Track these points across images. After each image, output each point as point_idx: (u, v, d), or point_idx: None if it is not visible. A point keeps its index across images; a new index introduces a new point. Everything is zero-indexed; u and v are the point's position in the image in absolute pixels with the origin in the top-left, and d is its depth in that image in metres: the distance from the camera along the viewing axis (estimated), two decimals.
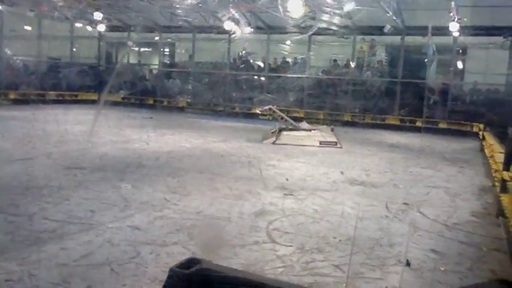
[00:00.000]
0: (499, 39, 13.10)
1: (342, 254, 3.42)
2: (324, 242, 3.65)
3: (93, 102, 16.09)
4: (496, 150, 6.99)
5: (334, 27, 13.77)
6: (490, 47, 14.26)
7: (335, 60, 16.07)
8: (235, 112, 15.16)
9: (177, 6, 14.03)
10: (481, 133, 10.73)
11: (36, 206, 4.15)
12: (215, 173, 6.04)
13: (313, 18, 13.28)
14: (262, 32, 15.54)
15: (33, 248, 3.21)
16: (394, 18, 13.01)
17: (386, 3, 11.77)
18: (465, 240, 3.92)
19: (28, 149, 7.07)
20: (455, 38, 13.08)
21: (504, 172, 4.80)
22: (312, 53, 15.36)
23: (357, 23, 13.91)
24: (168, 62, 19.46)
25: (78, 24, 17.54)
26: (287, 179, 5.88)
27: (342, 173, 6.54)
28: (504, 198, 4.38)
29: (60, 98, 15.85)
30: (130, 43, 18.78)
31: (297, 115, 14.49)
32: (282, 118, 10.00)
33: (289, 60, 16.75)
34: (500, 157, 5.78)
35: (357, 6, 11.72)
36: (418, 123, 13.13)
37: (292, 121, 10.08)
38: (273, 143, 8.98)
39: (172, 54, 21.02)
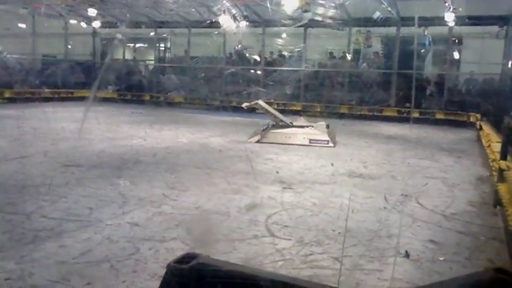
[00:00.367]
0: (494, 29, 13.09)
1: (340, 246, 3.43)
2: (323, 235, 3.65)
3: (89, 99, 16.00)
4: (493, 139, 7.00)
5: (329, 20, 13.74)
6: (485, 36, 14.28)
7: (331, 53, 16.05)
8: (232, 106, 15.13)
9: (171, 0, 13.97)
10: (477, 123, 10.75)
11: (33, 204, 4.14)
12: (213, 168, 6.03)
13: (308, 11, 13.23)
14: (257, 26, 15.49)
15: (32, 247, 3.21)
16: (389, 9, 12.98)
17: None
18: (463, 230, 3.93)
19: (24, 147, 7.04)
20: (450, 28, 13.07)
21: (501, 161, 4.81)
22: (307, 46, 15.32)
23: (352, 15, 13.88)
24: (164, 58, 19.39)
25: (72, 21, 17.43)
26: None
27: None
28: (501, 188, 4.39)
29: (56, 96, 15.77)
30: (122, 38, 18.69)
31: (294, 108, 14.50)
32: (271, 114, 8.97)
33: (285, 53, 16.72)
34: (497, 146, 5.79)
35: None
36: (415, 114, 13.14)
37: (282, 117, 9.07)
38: (257, 141, 8.31)
39: (167, 50, 20.96)
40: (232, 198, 4.61)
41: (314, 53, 15.97)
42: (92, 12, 15.60)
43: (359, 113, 13.82)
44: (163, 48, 20.91)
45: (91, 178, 5.23)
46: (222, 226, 3.79)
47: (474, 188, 5.51)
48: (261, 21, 15.40)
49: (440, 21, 12.33)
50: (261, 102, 9.11)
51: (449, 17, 12.05)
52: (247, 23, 14.91)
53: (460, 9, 11.83)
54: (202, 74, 16.94)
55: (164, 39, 20.42)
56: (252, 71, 16.41)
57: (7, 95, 14.72)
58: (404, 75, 13.65)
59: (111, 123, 10.13)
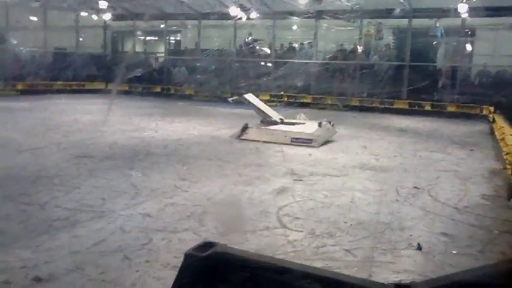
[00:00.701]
0: (507, 20, 12.90)
1: (352, 238, 3.43)
2: (335, 227, 3.65)
3: (100, 91, 16.12)
4: (506, 132, 6.92)
5: (340, 11, 13.64)
6: (498, 28, 14.08)
7: (342, 45, 15.94)
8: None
9: None
10: (490, 116, 10.62)
11: (47, 195, 4.19)
12: (224, 160, 6.04)
13: (320, 2, 13.15)
14: (268, 17, 15.42)
15: (46, 236, 3.25)
16: (401, 0, 12.85)
17: None
18: (476, 223, 3.91)
19: (37, 139, 7.12)
20: (463, 20, 12.89)
21: None
22: (318, 38, 15.23)
23: (364, 7, 13.76)
24: (174, 50, 19.41)
25: (83, 14, 17.50)
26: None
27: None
28: None
29: (68, 88, 15.89)
30: (132, 31, 18.71)
31: (305, 101, 14.43)
32: (258, 109, 8.23)
33: (296, 45, 16.64)
34: (511, 139, 5.73)
35: None
36: (427, 107, 13.01)
37: (271, 112, 8.29)
38: (238, 137, 7.74)
39: (178, 42, 20.97)
40: (244, 190, 4.62)
41: (325, 45, 15.86)
42: (103, 4, 15.64)
43: (370, 105, 13.72)
44: (173, 41, 20.93)
45: (103, 169, 5.27)
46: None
47: (487, 181, 5.46)
48: (271, 13, 15.33)
49: (453, 12, 12.18)
50: (248, 96, 8.52)
51: (463, 8, 11.90)
52: (258, 15, 14.86)
53: (474, 0, 11.67)
54: (213, 67, 16.92)
55: (175, 32, 20.43)
56: (263, 63, 16.36)
57: (20, 87, 14.85)
58: (416, 68, 13.52)
59: (123, 115, 10.18)
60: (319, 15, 14.40)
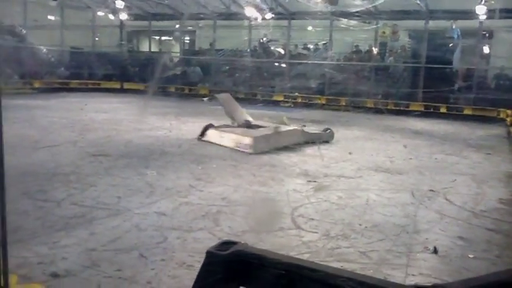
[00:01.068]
0: None
1: (367, 240, 3.41)
2: (349, 229, 3.63)
3: (116, 90, 16.26)
4: None
5: (356, 12, 13.58)
6: None
7: (357, 46, 15.86)
8: (256, 99, 15.12)
9: None
10: (508, 119, 10.48)
11: (64, 192, 4.23)
12: (238, 160, 6.05)
13: (335, 3, 13.10)
14: (282, 18, 15.42)
15: (63, 233, 3.28)
16: (418, 2, 12.75)
17: None
18: (493, 228, 3.86)
19: (54, 136, 7.19)
20: (481, 22, 12.74)
21: None
22: (333, 39, 15.19)
23: (380, 8, 13.68)
24: (189, 50, 19.51)
25: (99, 13, 17.68)
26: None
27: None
28: None
29: (83, 87, 16.07)
30: (148, 30, 18.82)
31: (319, 102, 14.40)
32: (227, 111, 7.74)
33: (311, 46, 16.61)
34: None
35: None
36: (443, 110, 12.89)
37: (237, 116, 7.69)
38: (198, 138, 7.43)
39: (193, 42, 21.07)
40: (258, 190, 4.62)
41: (340, 46, 15.81)
42: (119, 4, 15.78)
43: (385, 107, 13.62)
44: (188, 41, 21.03)
45: (119, 167, 5.31)
46: (248, 218, 3.81)
47: (504, 186, 5.38)
48: (286, 14, 15.32)
49: (470, 14, 12.04)
50: (223, 95, 8.10)
51: (481, 10, 11.76)
52: (273, 16, 14.86)
53: (492, 1, 11.53)
54: (227, 67, 16.96)
55: (190, 32, 20.53)
56: (277, 64, 16.36)
57: (37, 85, 15.04)
58: (432, 70, 13.40)
59: (138, 114, 10.26)
60: (334, 16, 14.35)
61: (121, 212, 3.77)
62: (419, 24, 13.97)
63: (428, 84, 13.22)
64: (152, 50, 19.82)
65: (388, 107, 13.56)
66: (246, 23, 15.80)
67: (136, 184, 4.64)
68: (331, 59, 15.30)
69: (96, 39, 18.20)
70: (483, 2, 11.38)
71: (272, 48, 17.21)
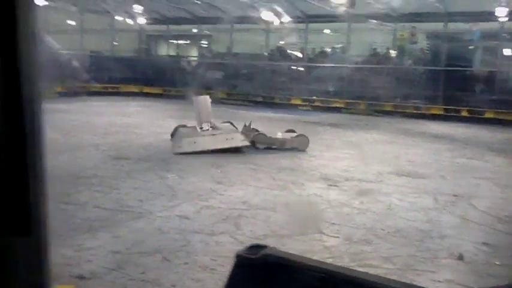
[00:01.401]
0: None
1: (390, 245, 3.38)
2: (372, 234, 3.61)
3: (134, 94, 16.43)
4: None
5: (374, 15, 13.51)
6: None
7: (375, 49, 15.75)
8: (274, 103, 15.11)
9: None
10: None
11: (87, 195, 4.29)
12: (257, 164, 6.05)
13: (353, 6, 13.04)
14: (300, 21, 15.40)
15: (88, 235, 3.33)
16: (437, 4, 12.62)
17: None
18: None
19: (76, 140, 7.30)
20: (502, 23, 12.55)
21: None
22: (351, 42, 15.11)
23: (398, 10, 13.58)
24: (206, 54, 19.60)
25: (118, 18, 17.90)
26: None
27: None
28: None
29: (103, 91, 16.26)
30: (166, 35, 18.97)
31: (337, 105, 14.32)
32: (197, 115, 7.45)
33: (328, 49, 16.55)
34: None
35: None
36: (463, 113, 12.70)
37: (200, 120, 7.41)
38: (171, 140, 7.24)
39: (210, 46, 21.15)
40: (279, 195, 4.62)
41: (358, 49, 15.71)
42: (137, 8, 15.96)
43: (404, 110, 13.47)
44: (206, 45, 21.14)
45: (140, 171, 5.36)
46: (270, 221, 3.81)
47: None
48: (304, 17, 15.30)
49: (491, 15, 11.87)
50: (201, 98, 7.83)
51: (501, 12, 11.59)
52: (290, 19, 14.85)
53: None
54: (245, 71, 16.99)
55: (207, 36, 20.63)
56: (294, 67, 16.33)
57: (58, 89, 15.26)
58: (452, 72, 13.23)
59: (157, 118, 10.35)
60: (351, 19, 14.28)
61: (144, 215, 3.80)
62: (438, 26, 13.81)
63: (448, 87, 13.05)
64: (170, 54, 19.98)
65: (408, 111, 13.41)
66: (263, 26, 15.82)
67: (158, 187, 4.67)
68: (349, 62, 15.21)
69: (115, 43, 18.42)
70: (503, 4, 11.20)
71: (289, 51, 17.19)
